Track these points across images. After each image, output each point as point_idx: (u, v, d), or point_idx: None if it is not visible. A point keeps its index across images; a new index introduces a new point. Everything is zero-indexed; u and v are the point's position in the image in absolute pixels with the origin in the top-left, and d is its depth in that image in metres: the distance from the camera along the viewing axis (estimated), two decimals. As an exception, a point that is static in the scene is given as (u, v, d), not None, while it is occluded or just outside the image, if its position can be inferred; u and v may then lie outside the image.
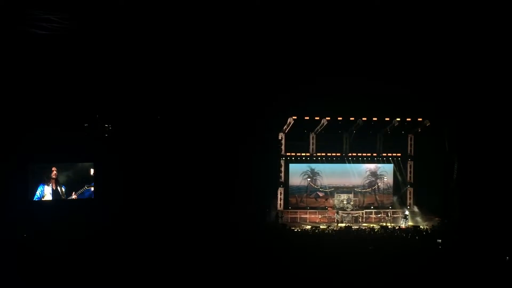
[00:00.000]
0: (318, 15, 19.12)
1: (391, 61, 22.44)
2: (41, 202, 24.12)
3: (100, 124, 24.86)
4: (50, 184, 24.20)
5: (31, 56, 21.00)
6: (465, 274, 16.02)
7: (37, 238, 20.33)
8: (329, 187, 30.11)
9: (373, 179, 30.57)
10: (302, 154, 29.53)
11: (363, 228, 26.74)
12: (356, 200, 29.97)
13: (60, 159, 24.61)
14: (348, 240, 22.79)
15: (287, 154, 29.36)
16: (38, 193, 24.03)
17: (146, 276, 15.37)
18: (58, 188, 24.32)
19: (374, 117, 27.44)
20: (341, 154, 29.75)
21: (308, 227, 27.12)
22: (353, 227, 26.65)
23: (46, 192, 24.06)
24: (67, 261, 16.16)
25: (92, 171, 24.90)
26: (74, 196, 24.53)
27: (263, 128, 26.16)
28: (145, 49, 21.41)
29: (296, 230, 26.27)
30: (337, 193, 29.98)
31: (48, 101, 22.82)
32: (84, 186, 24.73)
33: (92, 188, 24.82)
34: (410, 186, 30.13)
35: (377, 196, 30.45)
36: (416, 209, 29.10)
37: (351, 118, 27.55)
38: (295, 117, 27.13)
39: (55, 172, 24.27)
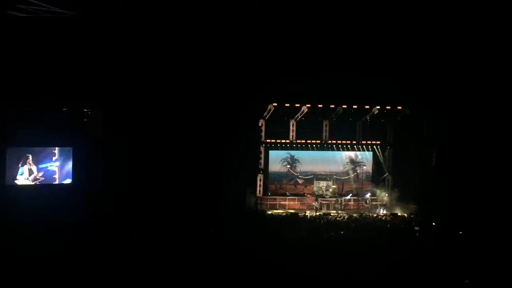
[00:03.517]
0: (301, 8, 19.13)
1: (372, 50, 22.51)
2: (20, 186, 24.36)
3: (79, 109, 24.69)
4: (27, 166, 24.53)
5: (10, 39, 20.74)
6: (442, 262, 16.24)
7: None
8: (309, 174, 30.24)
9: (353, 166, 30.73)
10: (282, 141, 29.54)
11: (341, 215, 26.92)
12: (335, 187, 30.15)
13: (39, 143, 24.62)
14: (326, 227, 22.94)
15: (267, 140, 29.37)
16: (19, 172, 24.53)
17: (123, 264, 15.28)
18: (32, 168, 24.61)
19: (354, 105, 27.55)
20: (321, 141, 29.85)
21: (287, 213, 27.22)
22: (331, 214, 26.85)
23: (24, 171, 24.48)
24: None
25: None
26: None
27: (243, 115, 26.06)
28: (129, 34, 21.24)
29: (275, 216, 26.37)
30: (316, 180, 30.12)
31: (27, 85, 22.60)
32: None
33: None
34: (389, 174, 30.33)
35: (356, 184, 30.64)
36: (394, 197, 29.29)
37: (331, 106, 27.63)
38: (275, 104, 27.14)
39: (30, 157, 24.59)
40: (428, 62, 23.50)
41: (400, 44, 22.31)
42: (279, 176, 30.16)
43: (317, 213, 27.45)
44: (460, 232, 20.86)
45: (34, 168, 24.65)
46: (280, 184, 30.16)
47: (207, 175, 25.15)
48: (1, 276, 13.87)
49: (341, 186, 30.47)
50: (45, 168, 24.85)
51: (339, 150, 30.23)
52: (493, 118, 24.06)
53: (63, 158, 25.13)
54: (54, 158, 24.98)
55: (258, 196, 28.59)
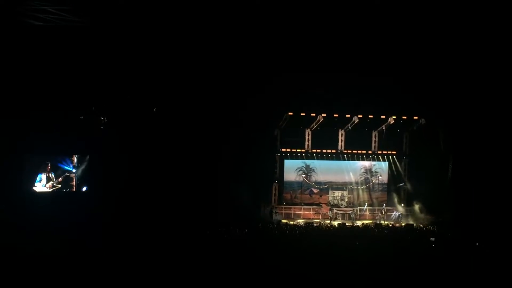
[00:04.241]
0: (315, 11, 19.11)
1: (389, 59, 22.44)
2: (39, 193, 24.89)
3: (96, 117, 24.86)
4: (45, 173, 25.05)
5: (27, 48, 20.98)
6: (457, 272, 16.11)
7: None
8: (324, 184, 30.14)
9: (368, 176, 30.59)
10: (298, 150, 29.55)
11: (357, 225, 26.80)
12: (350, 197, 30.04)
13: (57, 151, 24.96)
14: (341, 237, 22.83)
15: (283, 150, 29.39)
16: (37, 179, 25.11)
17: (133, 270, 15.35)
18: (50, 175, 25.09)
19: (370, 115, 27.46)
20: (336, 151, 29.79)
21: (302, 222, 27.16)
22: (346, 224, 26.74)
23: (43, 178, 25.05)
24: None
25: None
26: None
27: (259, 124, 26.11)
28: (141, 42, 21.38)
29: (290, 225, 26.30)
30: (331, 189, 30.04)
31: (43, 93, 22.84)
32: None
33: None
34: (404, 184, 30.13)
35: (371, 194, 30.48)
36: (410, 207, 29.09)
37: (347, 115, 27.56)
38: (291, 113, 27.14)
39: (49, 165, 25.18)
40: (445, 73, 23.41)
41: (416, 53, 22.23)
42: (294, 185, 30.10)
43: (332, 223, 27.33)
44: (477, 244, 20.68)
45: (52, 175, 24.99)
46: (295, 194, 30.08)
47: (222, 184, 25.25)
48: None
49: (356, 196, 30.32)
50: (62, 175, 25.18)
51: (355, 160, 30.13)
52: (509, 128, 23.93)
53: (81, 166, 25.44)
54: (71, 166, 25.26)
55: (273, 205, 28.56)
